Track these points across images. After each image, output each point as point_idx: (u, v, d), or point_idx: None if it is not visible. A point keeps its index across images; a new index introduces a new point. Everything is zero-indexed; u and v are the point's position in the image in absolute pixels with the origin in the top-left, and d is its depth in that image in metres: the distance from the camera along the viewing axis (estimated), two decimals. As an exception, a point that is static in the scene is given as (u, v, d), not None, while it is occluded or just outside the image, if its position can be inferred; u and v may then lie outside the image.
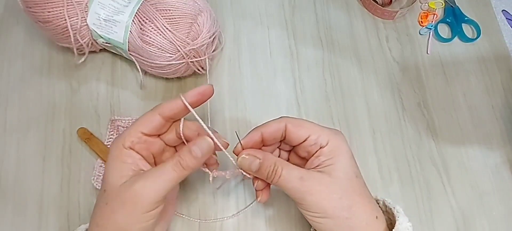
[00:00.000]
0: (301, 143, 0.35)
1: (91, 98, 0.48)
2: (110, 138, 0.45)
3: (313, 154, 0.35)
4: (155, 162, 0.36)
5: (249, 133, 0.36)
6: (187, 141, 0.36)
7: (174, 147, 0.38)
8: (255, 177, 0.36)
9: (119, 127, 0.46)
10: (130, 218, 0.31)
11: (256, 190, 0.38)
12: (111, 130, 0.46)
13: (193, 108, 0.34)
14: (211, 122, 0.47)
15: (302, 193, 0.33)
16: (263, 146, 0.37)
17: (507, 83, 0.51)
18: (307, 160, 0.36)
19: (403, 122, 0.49)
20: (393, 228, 0.33)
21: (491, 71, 0.52)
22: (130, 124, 0.46)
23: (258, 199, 0.37)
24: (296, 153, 0.38)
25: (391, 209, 0.35)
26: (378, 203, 0.37)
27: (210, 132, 0.34)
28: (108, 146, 0.45)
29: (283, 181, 0.33)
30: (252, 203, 0.43)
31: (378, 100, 0.50)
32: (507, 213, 0.44)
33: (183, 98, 0.34)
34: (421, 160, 0.47)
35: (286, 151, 0.39)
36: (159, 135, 0.36)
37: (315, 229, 0.38)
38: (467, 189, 0.45)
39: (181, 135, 0.35)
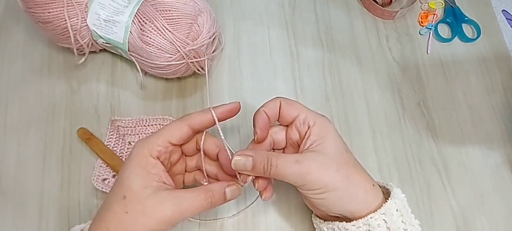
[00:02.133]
0: (292, 122, 0.37)
1: (91, 99, 0.48)
2: (110, 138, 0.46)
3: (304, 136, 0.36)
4: (170, 170, 0.37)
5: (255, 117, 0.37)
6: (205, 154, 0.38)
7: (185, 155, 0.39)
8: (256, 177, 0.37)
9: (119, 127, 0.46)
10: (146, 229, 0.31)
11: (259, 191, 0.38)
12: (111, 130, 0.46)
13: (221, 120, 0.36)
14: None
15: (301, 174, 0.34)
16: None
17: (507, 83, 0.51)
18: (299, 146, 0.37)
19: (403, 121, 0.49)
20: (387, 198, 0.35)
21: (491, 71, 0.52)
22: (130, 124, 0.46)
23: (262, 196, 0.38)
24: (288, 138, 0.38)
25: (384, 186, 0.37)
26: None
27: (229, 153, 0.36)
28: (108, 146, 0.45)
29: (281, 169, 0.34)
30: (252, 203, 0.43)
31: (378, 100, 0.50)
32: (507, 213, 0.44)
33: (213, 113, 0.36)
34: (421, 160, 0.47)
35: (279, 149, 0.40)
36: (181, 145, 0.37)
37: (316, 215, 0.39)
38: (467, 189, 0.45)
39: (202, 149, 0.37)
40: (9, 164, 0.45)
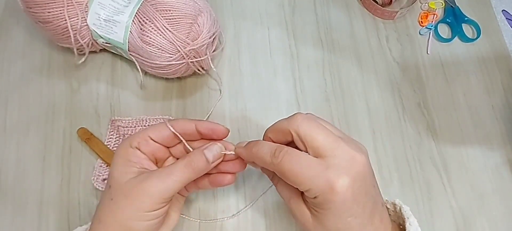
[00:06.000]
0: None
1: (91, 99, 0.48)
2: (110, 138, 0.45)
3: None
4: (157, 166, 0.37)
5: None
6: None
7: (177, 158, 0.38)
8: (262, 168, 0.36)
9: (119, 127, 0.46)
10: (134, 214, 0.31)
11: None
12: (111, 130, 0.46)
13: (204, 137, 0.36)
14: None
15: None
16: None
17: (507, 83, 0.51)
18: None
19: (403, 122, 0.49)
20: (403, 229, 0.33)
21: (491, 71, 0.52)
22: (130, 124, 0.46)
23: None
24: None
25: (400, 209, 0.35)
26: (386, 204, 0.36)
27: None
28: (108, 146, 0.45)
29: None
30: (252, 203, 0.43)
31: (378, 100, 0.50)
32: (507, 213, 0.44)
33: (170, 126, 0.35)
34: (421, 160, 0.47)
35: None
36: (168, 147, 0.37)
37: None
38: (467, 189, 0.45)
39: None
40: (9, 164, 0.45)
